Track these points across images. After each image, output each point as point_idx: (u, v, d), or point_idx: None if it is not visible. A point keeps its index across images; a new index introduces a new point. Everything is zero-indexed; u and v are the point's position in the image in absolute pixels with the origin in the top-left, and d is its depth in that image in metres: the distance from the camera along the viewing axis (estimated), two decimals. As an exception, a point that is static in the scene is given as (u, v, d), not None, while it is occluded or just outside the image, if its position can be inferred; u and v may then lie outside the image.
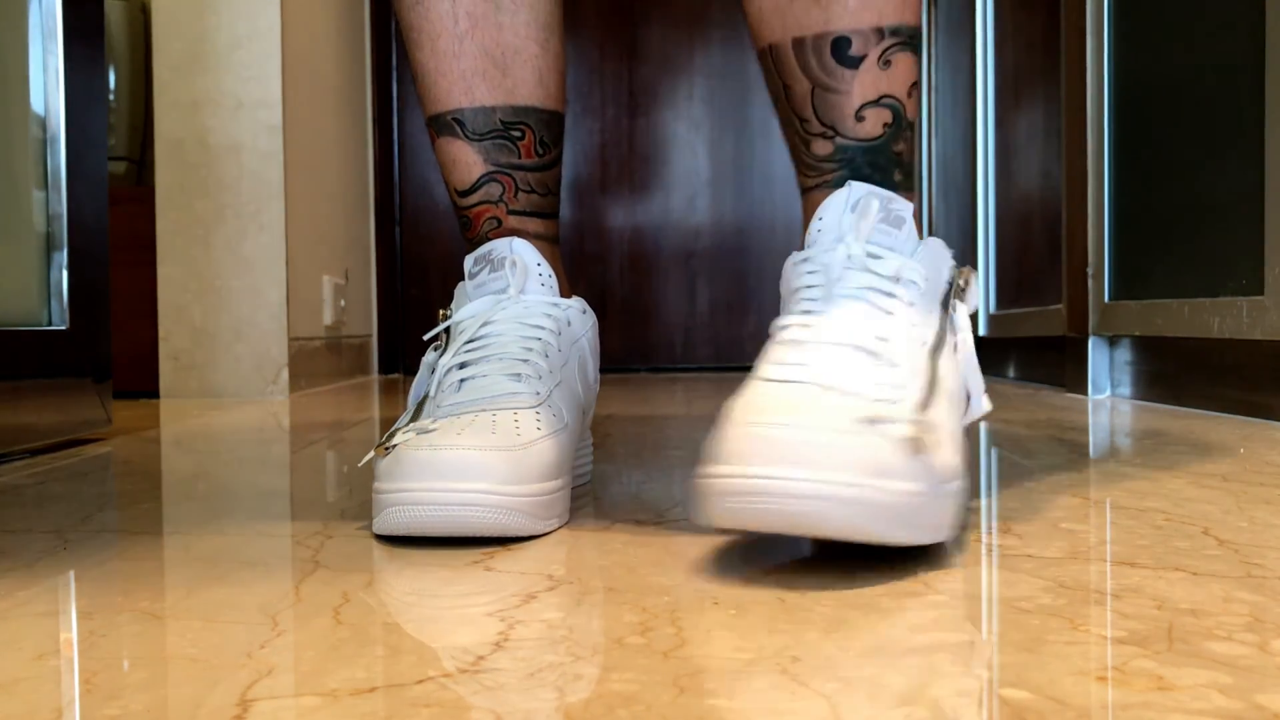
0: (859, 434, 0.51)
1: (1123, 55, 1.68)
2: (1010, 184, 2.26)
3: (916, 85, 0.68)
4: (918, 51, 0.67)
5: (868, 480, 0.50)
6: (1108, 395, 1.69)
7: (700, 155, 2.97)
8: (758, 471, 0.50)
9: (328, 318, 2.35)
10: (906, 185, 0.67)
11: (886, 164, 0.66)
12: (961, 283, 0.64)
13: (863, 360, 0.57)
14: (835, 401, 0.53)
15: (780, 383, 0.56)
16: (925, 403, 0.56)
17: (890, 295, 0.60)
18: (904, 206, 0.63)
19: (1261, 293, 1.26)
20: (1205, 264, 1.43)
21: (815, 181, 0.67)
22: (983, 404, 0.64)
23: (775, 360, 0.58)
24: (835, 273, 0.60)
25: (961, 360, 0.63)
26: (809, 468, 0.50)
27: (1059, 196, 1.86)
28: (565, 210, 2.93)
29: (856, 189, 0.63)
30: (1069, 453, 1.03)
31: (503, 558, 0.59)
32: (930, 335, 0.61)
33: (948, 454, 0.56)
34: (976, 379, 0.64)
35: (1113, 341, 1.69)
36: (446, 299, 0.79)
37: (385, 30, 2.91)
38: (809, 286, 0.61)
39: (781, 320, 0.61)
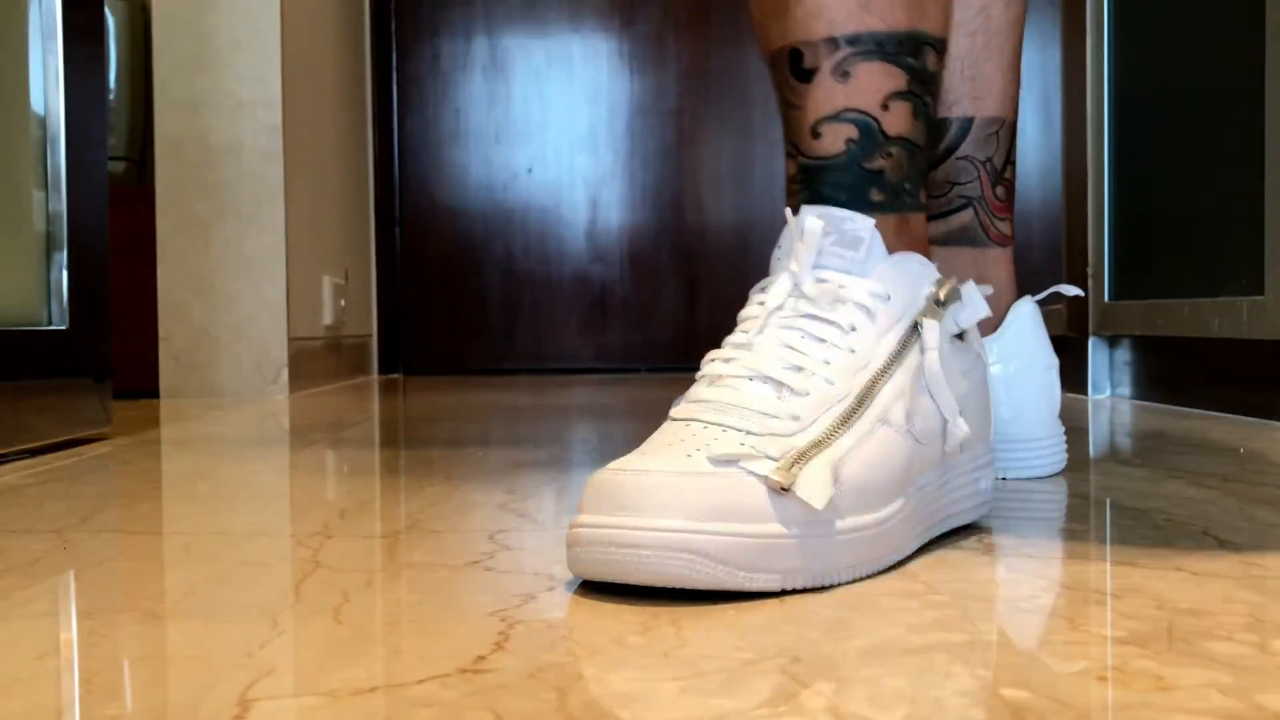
0: (709, 474, 0.50)
1: (1123, 55, 1.68)
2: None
3: (906, 95, 0.62)
4: (903, 58, 0.62)
5: (700, 524, 0.48)
6: (1108, 395, 1.69)
7: (701, 155, 2.97)
8: (599, 520, 0.49)
9: (328, 318, 2.35)
10: (892, 205, 0.62)
11: (855, 182, 0.62)
12: (940, 296, 0.59)
13: (766, 392, 0.54)
14: (707, 438, 0.52)
15: (675, 421, 0.55)
16: (833, 433, 0.53)
17: (828, 321, 0.57)
18: (861, 225, 0.58)
19: (1261, 293, 1.26)
20: (1205, 264, 1.43)
21: (788, 204, 0.65)
22: (958, 427, 0.58)
23: (686, 396, 0.57)
24: (776, 301, 0.58)
25: (928, 380, 0.58)
26: (642, 514, 0.48)
27: (1059, 196, 1.87)
28: (565, 211, 2.93)
29: (805, 213, 0.59)
30: (1069, 453, 1.03)
31: (502, 558, 0.59)
32: (880, 357, 0.57)
33: (851, 487, 0.53)
34: (947, 401, 0.58)
35: (1113, 341, 1.69)
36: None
37: (385, 30, 2.91)
38: (751, 317, 0.59)
39: (710, 353, 0.58)
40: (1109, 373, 1.69)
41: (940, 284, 0.60)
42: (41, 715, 0.37)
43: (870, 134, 0.62)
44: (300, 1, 2.18)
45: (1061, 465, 0.86)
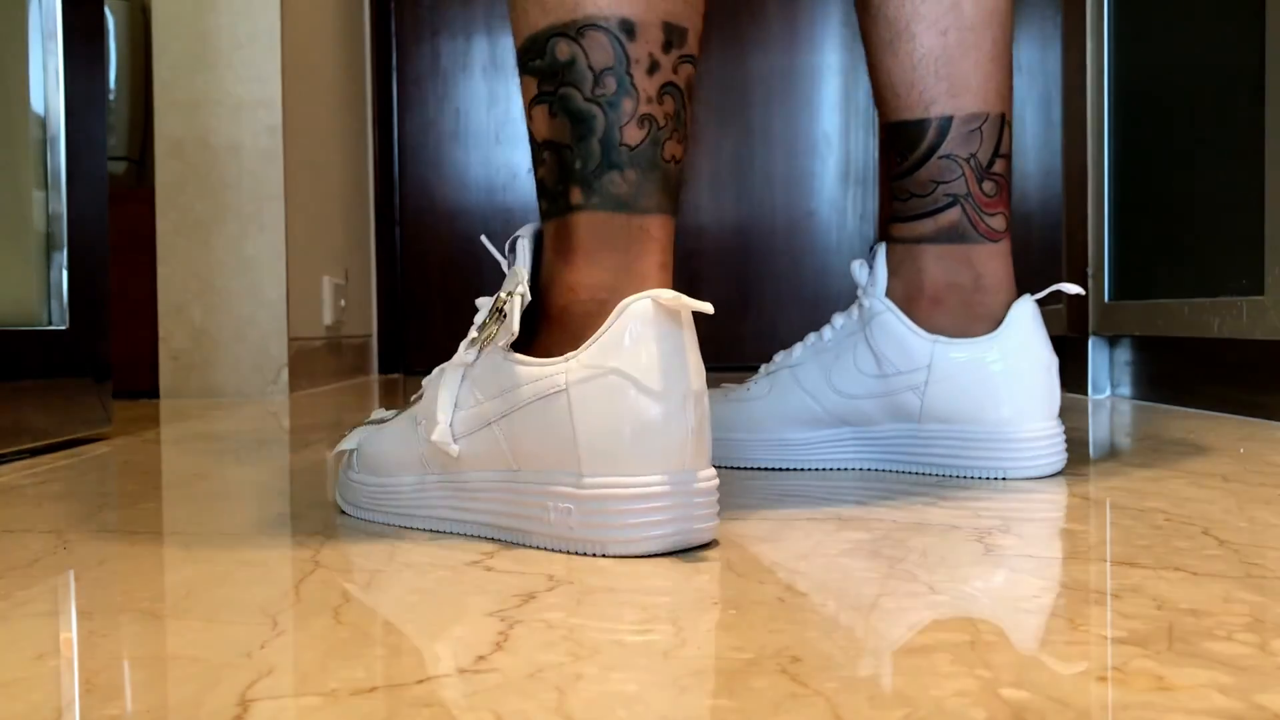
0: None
1: (1123, 55, 1.68)
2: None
3: (539, 99, 0.63)
4: (531, 63, 0.63)
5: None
6: (1108, 395, 1.69)
7: (700, 155, 2.97)
8: None
9: (328, 318, 2.35)
10: (552, 211, 0.63)
11: (535, 196, 0.66)
12: (486, 314, 0.63)
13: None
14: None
15: None
16: (392, 420, 0.72)
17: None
18: (518, 241, 0.64)
19: (1261, 293, 1.26)
20: (1205, 264, 1.43)
21: None
22: (428, 431, 0.64)
23: None
24: None
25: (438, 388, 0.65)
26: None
27: (1059, 196, 1.87)
28: (565, 210, 2.93)
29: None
30: (1069, 453, 1.03)
31: (503, 558, 0.59)
32: (454, 362, 0.64)
33: (363, 454, 0.72)
34: (442, 405, 0.64)
35: (1113, 341, 1.69)
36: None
37: (385, 30, 2.91)
38: None
39: None
40: (1109, 373, 1.69)
41: (496, 301, 0.63)
42: (41, 715, 0.37)
43: (531, 145, 0.65)
44: (300, 1, 2.18)
45: (1061, 465, 0.86)
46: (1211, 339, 1.37)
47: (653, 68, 0.61)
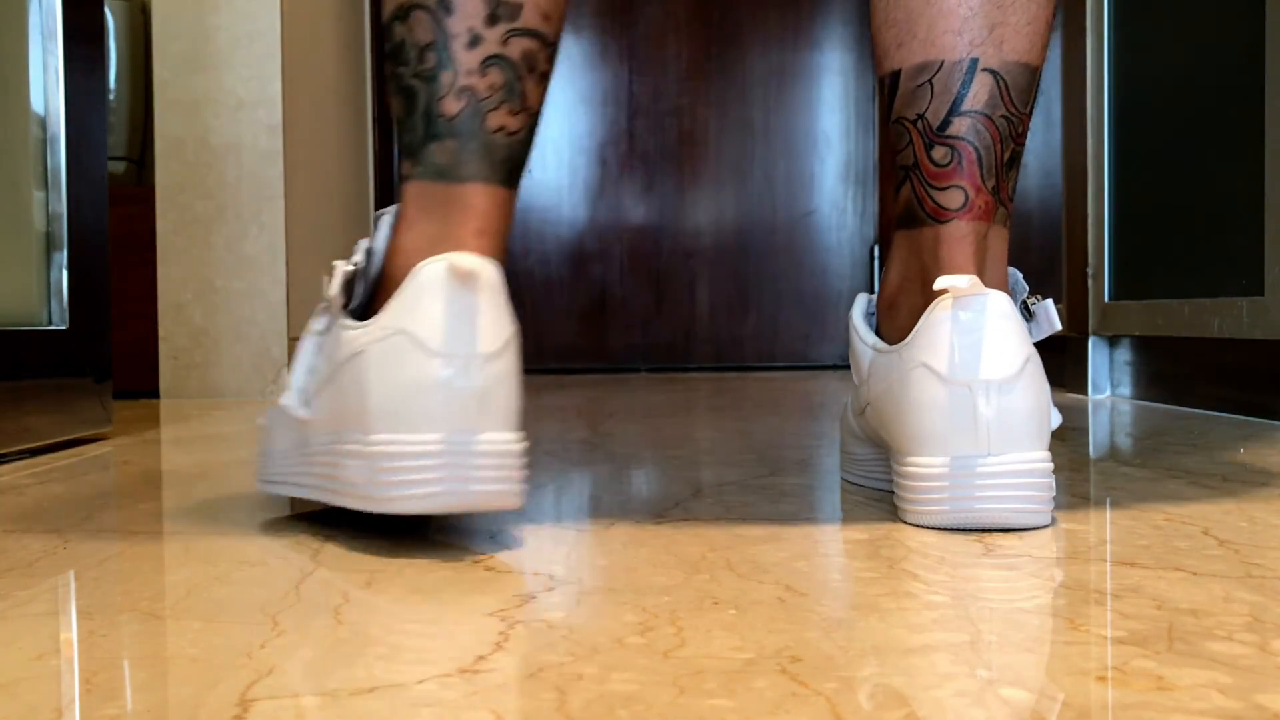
0: None
1: (1123, 55, 1.68)
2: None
3: (388, 78, 0.67)
4: (386, 44, 0.66)
5: None
6: (1108, 395, 1.69)
7: (700, 155, 2.97)
8: None
9: (328, 318, 2.35)
10: (399, 181, 0.67)
11: None
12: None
13: None
14: None
15: None
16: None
17: None
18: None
19: (1261, 293, 1.26)
20: (1205, 264, 1.43)
21: None
22: (286, 400, 0.67)
23: None
24: None
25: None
26: None
27: (1059, 196, 1.87)
28: (565, 211, 2.93)
29: None
30: (1069, 453, 1.03)
31: (503, 558, 0.59)
32: (307, 329, 0.68)
33: (268, 432, 0.72)
34: (294, 375, 0.67)
35: (1113, 341, 1.69)
36: None
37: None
38: None
39: None
40: (1109, 373, 1.69)
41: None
42: (41, 715, 0.37)
43: None
44: (300, 1, 2.18)
45: (949, 522, 0.68)
46: (1211, 339, 1.37)
47: (474, 41, 0.63)
